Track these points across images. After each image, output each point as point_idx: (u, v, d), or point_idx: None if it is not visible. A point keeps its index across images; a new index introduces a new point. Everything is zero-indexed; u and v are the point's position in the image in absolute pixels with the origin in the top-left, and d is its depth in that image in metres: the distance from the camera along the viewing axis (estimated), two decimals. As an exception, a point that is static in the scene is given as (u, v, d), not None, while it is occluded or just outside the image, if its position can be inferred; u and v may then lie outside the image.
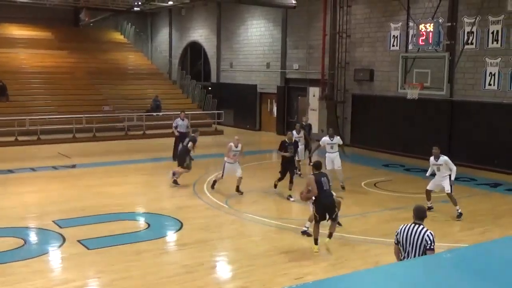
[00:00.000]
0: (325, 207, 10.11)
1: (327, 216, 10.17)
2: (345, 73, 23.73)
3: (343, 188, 14.87)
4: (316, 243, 10.14)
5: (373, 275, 3.94)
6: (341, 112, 24.04)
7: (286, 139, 14.52)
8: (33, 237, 11.17)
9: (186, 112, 21.79)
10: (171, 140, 19.96)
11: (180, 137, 19.17)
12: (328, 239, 10.28)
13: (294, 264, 9.43)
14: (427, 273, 3.89)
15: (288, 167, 14.33)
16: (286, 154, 14.21)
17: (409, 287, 3.68)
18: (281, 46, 27.47)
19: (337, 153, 14.97)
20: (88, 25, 35.87)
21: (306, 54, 26.02)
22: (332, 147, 14.99)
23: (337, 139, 15.18)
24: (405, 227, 6.71)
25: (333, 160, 14.87)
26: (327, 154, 15.01)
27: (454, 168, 12.59)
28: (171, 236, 11.28)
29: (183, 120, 19.62)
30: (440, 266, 4.07)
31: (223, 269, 9.71)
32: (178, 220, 11.99)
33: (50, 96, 27.34)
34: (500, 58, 18.18)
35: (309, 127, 18.51)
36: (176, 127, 19.51)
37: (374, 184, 15.96)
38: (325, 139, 15.15)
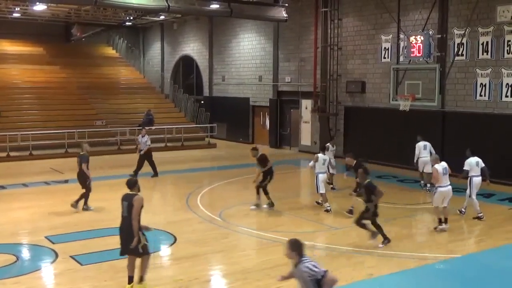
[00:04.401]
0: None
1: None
2: (337, 85, 23.82)
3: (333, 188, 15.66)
4: (129, 281, 8.69)
5: (366, 286, 3.94)
6: (334, 124, 24.11)
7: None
8: (25, 253, 11.08)
9: (175, 127, 21.64)
10: (162, 155, 19.88)
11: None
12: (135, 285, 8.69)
13: (288, 277, 9.37)
14: (419, 284, 3.89)
15: None
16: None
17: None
18: (273, 59, 27.58)
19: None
20: (80, 40, 35.92)
21: (298, 67, 26.12)
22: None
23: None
24: None
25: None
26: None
27: None
28: (165, 251, 11.22)
29: (143, 137, 19.17)
30: (433, 277, 4.07)
31: (217, 283, 9.65)
32: (171, 234, 11.93)
33: (42, 111, 27.26)
34: (490, 69, 18.32)
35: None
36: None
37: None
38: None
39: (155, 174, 19.11)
